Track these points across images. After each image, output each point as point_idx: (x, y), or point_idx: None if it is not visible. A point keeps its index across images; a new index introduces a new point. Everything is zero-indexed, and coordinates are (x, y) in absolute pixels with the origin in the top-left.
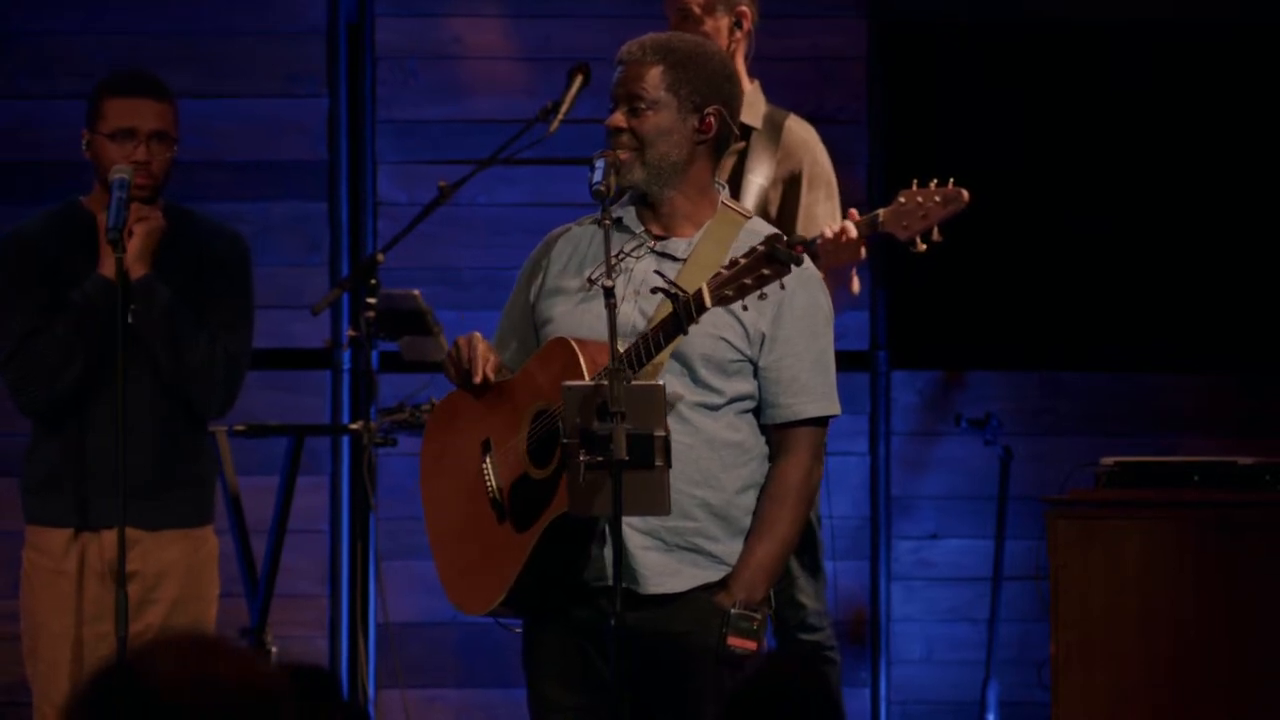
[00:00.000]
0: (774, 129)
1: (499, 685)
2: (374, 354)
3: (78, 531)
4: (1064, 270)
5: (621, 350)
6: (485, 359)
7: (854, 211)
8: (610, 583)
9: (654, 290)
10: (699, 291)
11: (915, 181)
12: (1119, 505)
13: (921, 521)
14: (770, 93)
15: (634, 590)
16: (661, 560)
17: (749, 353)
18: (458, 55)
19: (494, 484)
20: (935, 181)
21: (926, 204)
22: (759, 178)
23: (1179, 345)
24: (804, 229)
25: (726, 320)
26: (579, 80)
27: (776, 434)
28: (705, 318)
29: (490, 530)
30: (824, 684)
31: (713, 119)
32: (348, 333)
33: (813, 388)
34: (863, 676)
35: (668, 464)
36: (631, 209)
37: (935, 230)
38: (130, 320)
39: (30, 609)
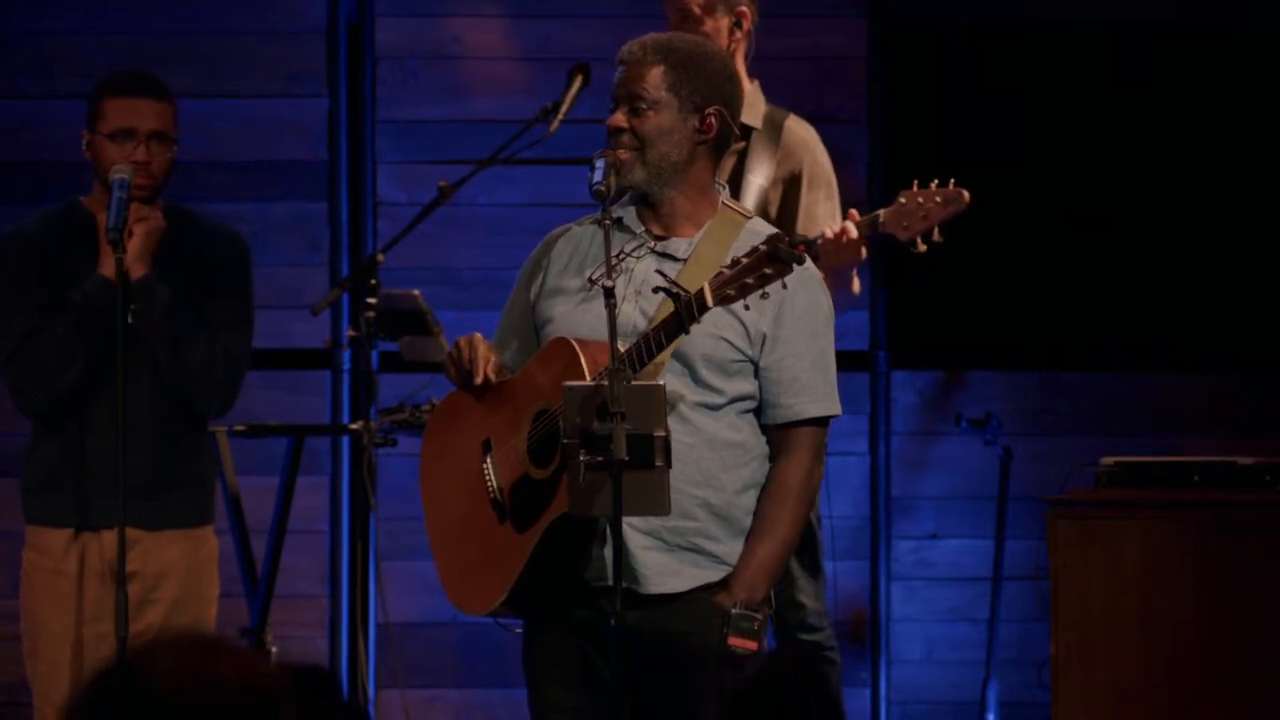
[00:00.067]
0: (774, 129)
1: (499, 685)
2: (374, 354)
3: (78, 532)
4: (1064, 270)
5: (622, 350)
6: (486, 360)
7: (854, 212)
8: (611, 583)
9: (656, 290)
10: (701, 291)
11: (916, 182)
12: (1119, 505)
13: (921, 521)
14: (770, 93)
15: (635, 590)
16: (662, 560)
17: (750, 353)
18: (458, 55)
19: (494, 484)
20: (936, 182)
21: (927, 204)
22: (759, 178)
23: (1179, 345)
24: (804, 229)
25: (727, 320)
26: (579, 80)
27: (777, 434)
28: (706, 318)
29: (491, 530)
30: (824, 684)
31: (713, 119)
32: (348, 333)
33: (813, 388)
34: (863, 676)
35: (668, 464)
36: (632, 209)
37: (936, 231)
38: (130, 320)
39: (30, 609)
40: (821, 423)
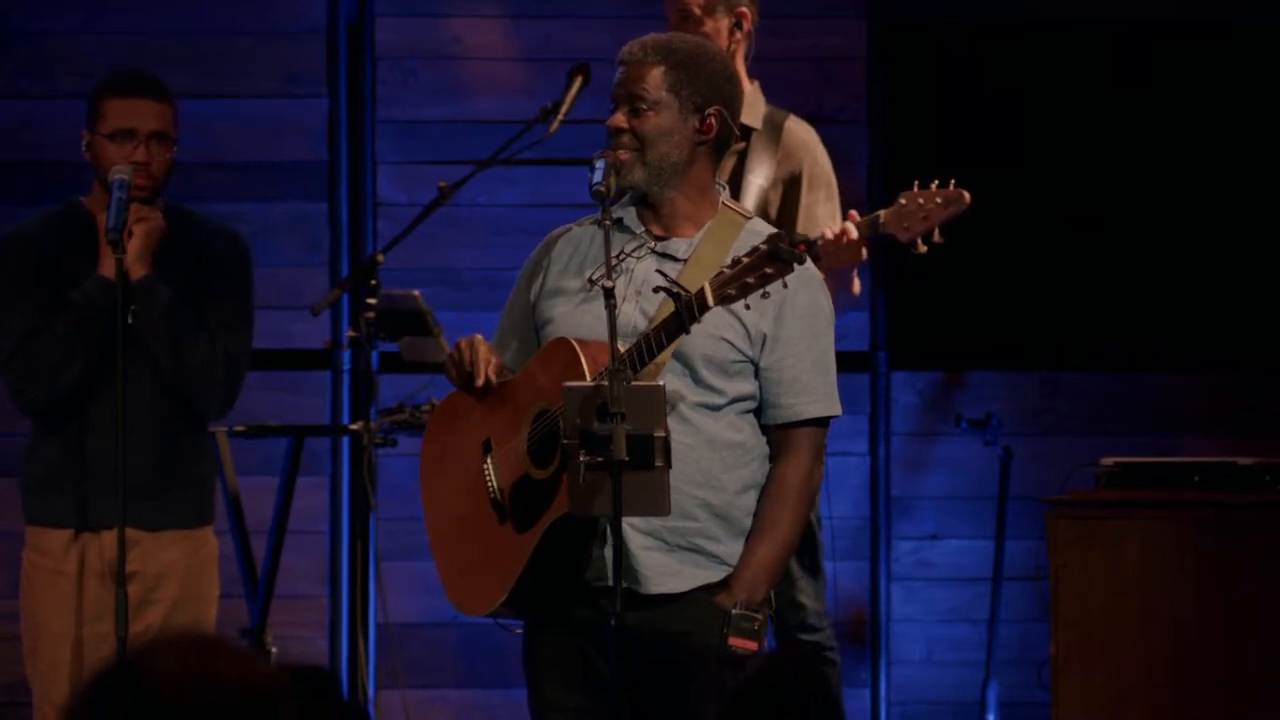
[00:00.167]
0: (774, 130)
1: (499, 685)
2: (374, 354)
3: (78, 532)
4: (1064, 270)
5: (622, 350)
6: (487, 361)
7: (854, 213)
8: (611, 583)
9: (656, 290)
10: (701, 290)
11: (916, 183)
12: (1119, 505)
13: (921, 522)
14: (770, 93)
15: (635, 590)
16: (663, 560)
17: (750, 353)
18: (458, 55)
19: (495, 484)
20: (936, 183)
21: (928, 205)
22: (759, 178)
23: (1179, 345)
24: (804, 229)
25: (728, 320)
26: (579, 81)
27: (777, 434)
28: (706, 318)
29: (491, 531)
30: (824, 684)
31: (713, 120)
32: (348, 333)
33: (814, 388)
34: (863, 677)
35: (668, 464)
36: (632, 209)
37: (936, 231)
38: (130, 320)
39: (30, 609)
40: (822, 423)
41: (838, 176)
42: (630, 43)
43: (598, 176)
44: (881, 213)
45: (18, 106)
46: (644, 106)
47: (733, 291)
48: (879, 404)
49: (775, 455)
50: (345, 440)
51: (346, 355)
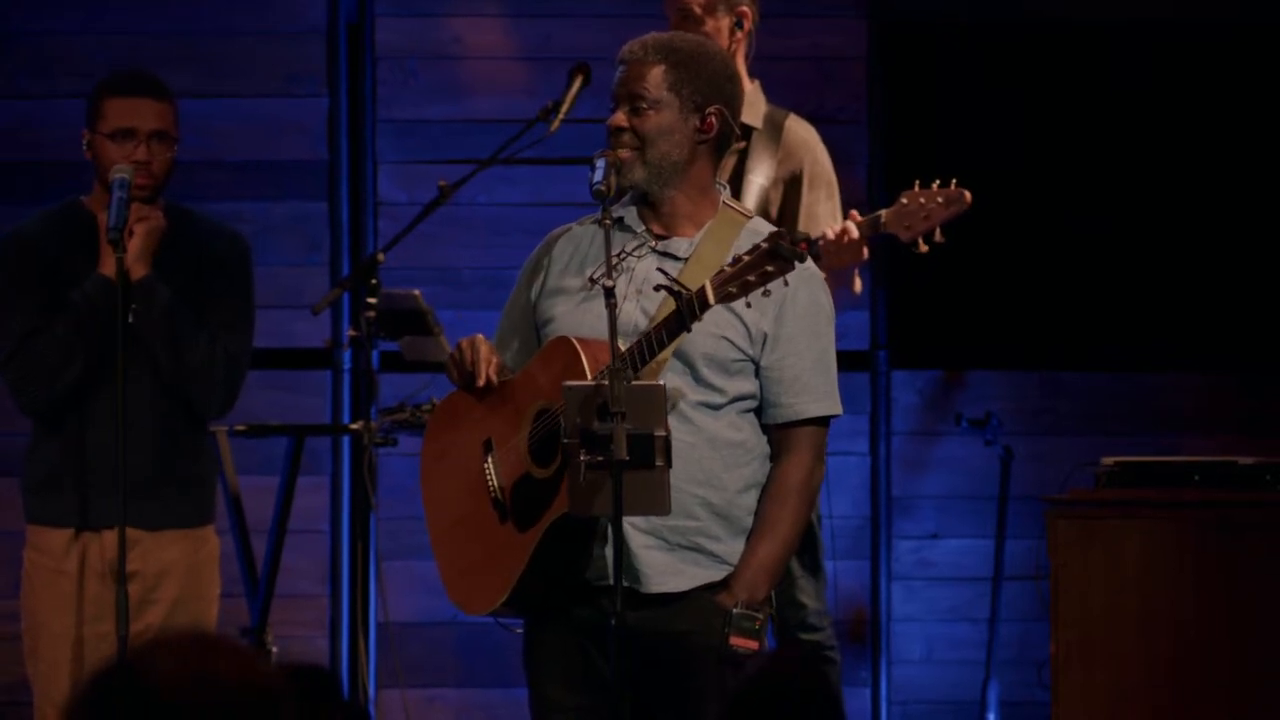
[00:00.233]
0: (774, 129)
1: (499, 685)
2: (374, 354)
3: (78, 531)
4: (1064, 270)
5: (623, 349)
6: (488, 361)
7: (855, 213)
8: (612, 582)
9: (657, 288)
10: (702, 288)
11: (917, 182)
12: (1119, 505)
13: (922, 521)
14: (770, 93)
15: (636, 589)
16: (664, 559)
17: (751, 352)
18: (458, 55)
19: (495, 483)
20: (937, 182)
21: (929, 205)
22: (759, 178)
23: (1179, 345)
24: (805, 229)
25: (728, 319)
26: (579, 80)
27: (778, 434)
28: (707, 316)
29: (492, 530)
30: (825, 683)
31: (714, 119)
32: (348, 333)
33: (815, 387)
34: (863, 676)
35: (668, 464)
36: (633, 208)
37: (938, 231)
38: (130, 320)
39: (31, 609)
40: (822, 422)
41: (838, 176)
42: (631, 42)
43: (598, 176)
44: (883, 212)
45: (18, 106)
46: (644, 105)
47: (733, 289)
48: (879, 403)
49: (776, 455)
50: (346, 440)
51: (347, 354)
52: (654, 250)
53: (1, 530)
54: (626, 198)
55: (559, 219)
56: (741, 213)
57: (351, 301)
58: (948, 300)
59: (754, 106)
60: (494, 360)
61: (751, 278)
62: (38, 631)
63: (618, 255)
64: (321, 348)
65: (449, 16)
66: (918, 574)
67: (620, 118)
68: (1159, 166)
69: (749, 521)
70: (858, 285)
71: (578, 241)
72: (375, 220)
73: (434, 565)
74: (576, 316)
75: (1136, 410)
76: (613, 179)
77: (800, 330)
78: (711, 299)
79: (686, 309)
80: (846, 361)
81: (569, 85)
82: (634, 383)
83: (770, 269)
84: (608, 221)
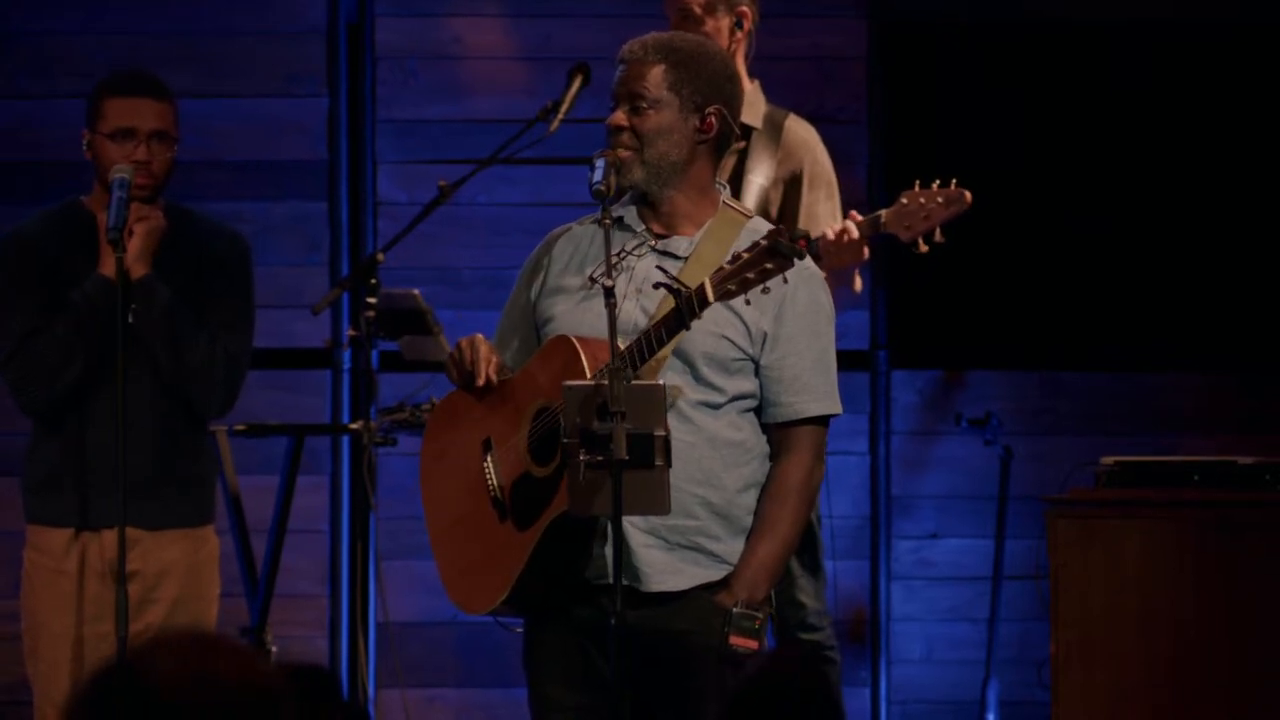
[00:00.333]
0: (774, 129)
1: (499, 685)
2: (374, 354)
3: (78, 531)
4: (1064, 270)
5: (623, 349)
6: (488, 360)
7: (854, 213)
8: (612, 581)
9: (656, 286)
10: (701, 286)
11: (918, 182)
12: (1119, 505)
13: (921, 521)
14: (770, 93)
15: (636, 589)
16: (663, 559)
17: (751, 351)
18: (458, 55)
19: (495, 483)
20: (938, 182)
21: (929, 205)
22: (759, 177)
23: (1179, 345)
24: (805, 229)
25: (728, 318)
26: (579, 80)
27: (778, 433)
28: (707, 315)
29: (491, 529)
30: (824, 683)
31: (714, 119)
32: (348, 332)
33: (814, 387)
34: (863, 676)
35: (668, 463)
36: (633, 208)
37: (938, 231)
38: (130, 320)
39: (31, 609)
40: (822, 422)
41: (838, 176)
42: (630, 41)
43: (598, 175)
44: (883, 212)
45: (18, 106)
46: (644, 105)
47: (733, 287)
48: (879, 403)
49: (776, 454)
50: (345, 439)
51: (347, 354)
52: (654, 249)
53: (1, 530)
54: (626, 197)
55: (559, 219)
56: (741, 212)
57: (351, 301)
58: (947, 300)
59: (754, 106)
60: (494, 360)
61: (751, 275)
62: (38, 631)
63: (617, 254)
64: (321, 348)
65: (449, 16)
66: (917, 574)
67: (620, 117)
68: (1159, 167)
69: (748, 521)
70: (858, 285)
71: (577, 241)
72: (375, 220)
73: (434, 565)
74: (576, 316)
75: (1136, 410)
76: (612, 178)
77: (800, 329)
78: (711, 296)
79: (686, 306)
80: (846, 361)
81: (569, 85)
82: (634, 382)
83: (770, 266)
84: (607, 221)
